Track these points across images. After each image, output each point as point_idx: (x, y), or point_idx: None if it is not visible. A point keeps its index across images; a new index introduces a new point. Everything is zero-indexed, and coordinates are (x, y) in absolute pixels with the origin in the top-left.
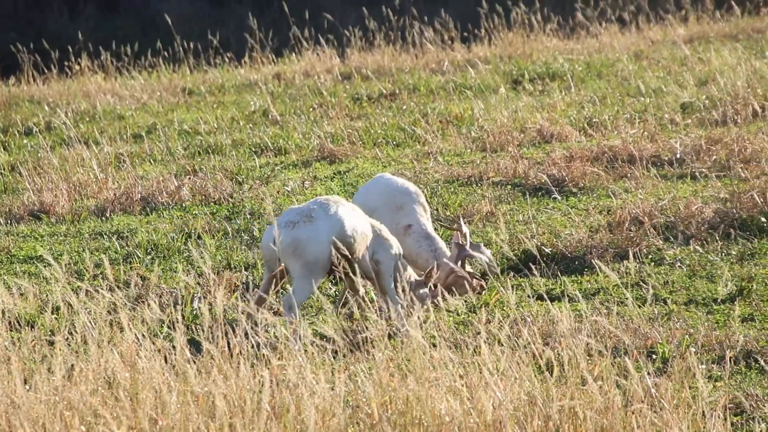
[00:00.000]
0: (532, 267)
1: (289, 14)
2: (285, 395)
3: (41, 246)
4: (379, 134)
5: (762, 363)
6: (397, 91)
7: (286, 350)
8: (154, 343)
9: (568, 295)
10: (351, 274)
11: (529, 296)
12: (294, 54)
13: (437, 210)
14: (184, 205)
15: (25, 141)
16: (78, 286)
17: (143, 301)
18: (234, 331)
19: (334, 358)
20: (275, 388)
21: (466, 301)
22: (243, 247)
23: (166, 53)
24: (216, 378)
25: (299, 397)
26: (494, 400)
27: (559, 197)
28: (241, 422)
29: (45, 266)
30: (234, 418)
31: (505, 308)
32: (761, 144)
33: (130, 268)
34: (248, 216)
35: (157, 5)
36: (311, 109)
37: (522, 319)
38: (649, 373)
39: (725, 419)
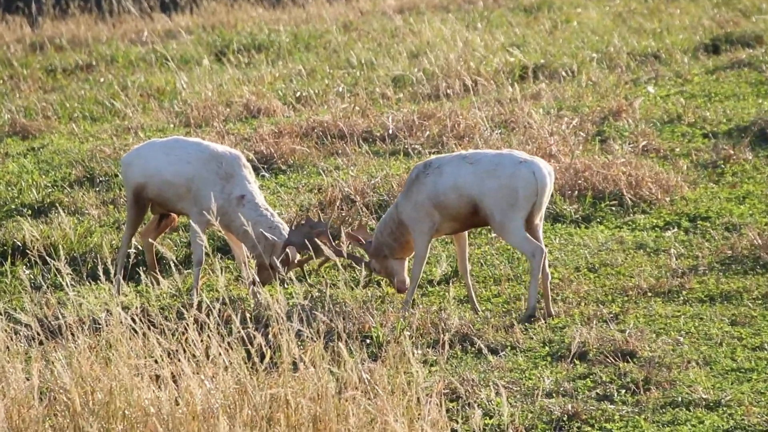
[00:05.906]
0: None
1: None
2: None
3: None
4: (75, 108)
5: (479, 345)
6: (94, 63)
7: None
8: None
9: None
10: None
11: (238, 278)
12: None
13: None
14: None
15: None
16: None
17: None
18: None
19: (29, 345)
20: None
21: (172, 285)
22: None
23: None
24: None
25: None
26: (203, 389)
27: (267, 175)
28: None
29: None
30: None
31: (213, 291)
32: (474, 119)
33: None
34: None
35: None
36: (1, 82)
37: (231, 303)
38: (363, 359)
39: (441, 405)
